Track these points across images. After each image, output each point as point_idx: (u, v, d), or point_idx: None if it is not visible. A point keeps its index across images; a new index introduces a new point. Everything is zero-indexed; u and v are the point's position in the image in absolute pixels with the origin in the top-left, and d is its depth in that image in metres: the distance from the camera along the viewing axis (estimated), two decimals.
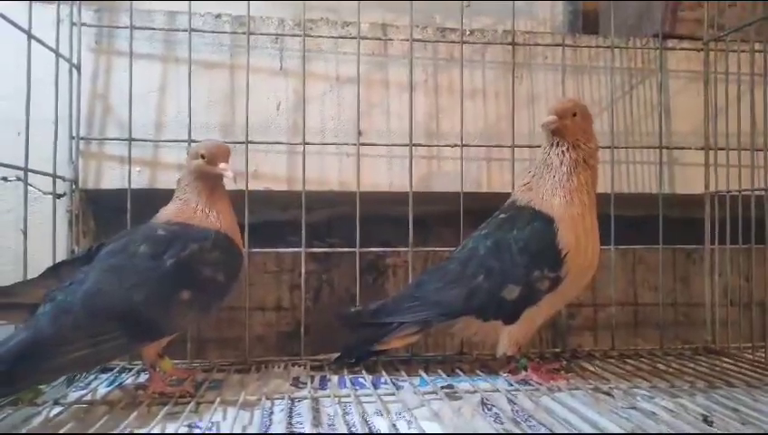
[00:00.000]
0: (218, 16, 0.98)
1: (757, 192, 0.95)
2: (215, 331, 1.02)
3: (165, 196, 0.81)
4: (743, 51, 1.00)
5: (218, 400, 0.72)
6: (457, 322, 0.85)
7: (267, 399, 0.74)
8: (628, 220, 1.02)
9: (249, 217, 0.91)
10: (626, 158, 1.05)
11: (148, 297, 0.71)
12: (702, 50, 1.06)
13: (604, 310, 1.11)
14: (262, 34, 0.98)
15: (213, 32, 0.97)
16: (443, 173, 1.01)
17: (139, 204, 0.90)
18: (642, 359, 0.96)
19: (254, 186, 0.94)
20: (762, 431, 0.63)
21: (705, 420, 0.66)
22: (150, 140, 0.95)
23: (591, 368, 0.90)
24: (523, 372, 0.83)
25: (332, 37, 1.00)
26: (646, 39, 1.08)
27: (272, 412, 0.70)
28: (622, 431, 0.62)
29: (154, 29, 0.96)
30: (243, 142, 0.93)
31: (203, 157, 0.78)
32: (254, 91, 0.94)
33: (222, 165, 0.78)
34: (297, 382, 0.83)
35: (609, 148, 1.00)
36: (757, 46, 0.97)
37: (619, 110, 1.06)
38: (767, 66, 0.95)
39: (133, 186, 0.92)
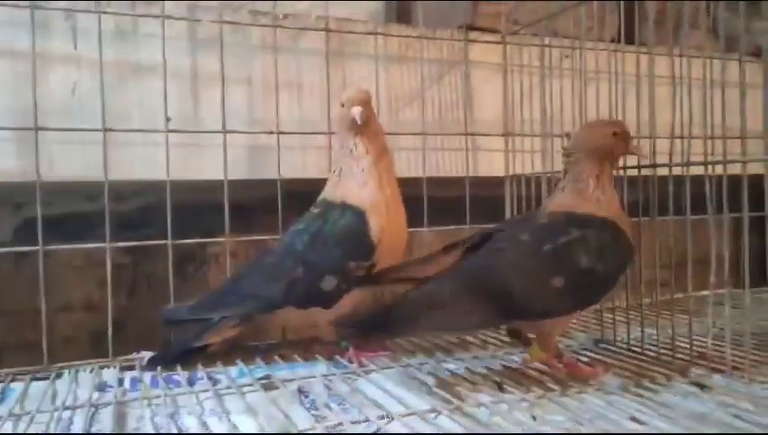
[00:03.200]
0: None
1: (548, 174, 1.04)
2: (14, 334, 0.92)
3: None
4: (534, 45, 1.07)
5: (7, 412, 0.66)
6: (278, 313, 0.85)
7: (66, 409, 0.69)
8: (441, 202, 1.08)
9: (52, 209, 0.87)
10: (435, 145, 1.11)
11: None
12: (501, 43, 1.13)
13: None
14: (50, 9, 0.89)
15: None
16: (260, 160, 1.01)
17: None
18: None
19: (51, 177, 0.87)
20: None
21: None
22: None
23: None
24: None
25: (133, 15, 0.93)
26: (451, 30, 1.14)
27: (71, 422, 0.66)
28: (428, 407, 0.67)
29: None
30: (32, 129, 0.85)
31: None
32: (45, 72, 0.86)
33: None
34: (104, 387, 0.78)
35: (421, 135, 1.06)
36: (546, 41, 1.05)
37: (428, 99, 1.11)
38: (553, 59, 1.02)
39: None
